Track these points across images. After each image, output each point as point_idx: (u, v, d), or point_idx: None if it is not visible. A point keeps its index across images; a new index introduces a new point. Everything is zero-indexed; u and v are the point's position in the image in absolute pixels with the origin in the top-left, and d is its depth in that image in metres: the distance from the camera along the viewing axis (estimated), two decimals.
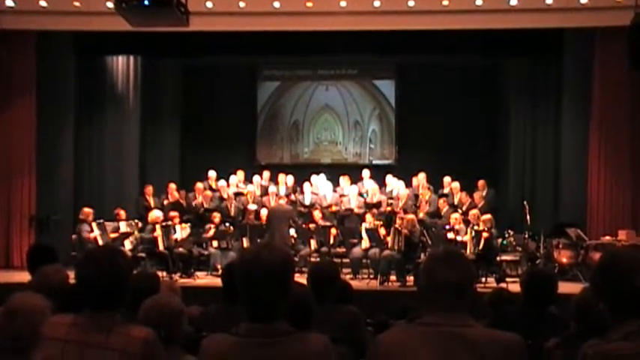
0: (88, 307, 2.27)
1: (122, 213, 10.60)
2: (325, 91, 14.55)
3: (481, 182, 11.80)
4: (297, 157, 14.60)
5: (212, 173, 12.33)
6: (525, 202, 11.28)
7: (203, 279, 10.07)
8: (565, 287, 8.90)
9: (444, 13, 10.53)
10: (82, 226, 10.19)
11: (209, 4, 10.34)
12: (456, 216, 10.33)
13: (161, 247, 10.10)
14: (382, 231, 10.16)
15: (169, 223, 10.37)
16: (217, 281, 9.22)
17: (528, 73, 12.78)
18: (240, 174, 12.45)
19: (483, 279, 9.43)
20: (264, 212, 10.95)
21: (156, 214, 10.40)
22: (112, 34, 10.83)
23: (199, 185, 11.82)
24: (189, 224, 10.78)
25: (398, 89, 14.28)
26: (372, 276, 10.02)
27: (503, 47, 11.76)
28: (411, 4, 10.37)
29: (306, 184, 12.00)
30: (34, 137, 11.53)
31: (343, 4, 10.47)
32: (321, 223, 10.78)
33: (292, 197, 11.87)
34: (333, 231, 10.64)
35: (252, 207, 11.24)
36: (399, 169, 13.18)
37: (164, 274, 9.49)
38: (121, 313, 2.30)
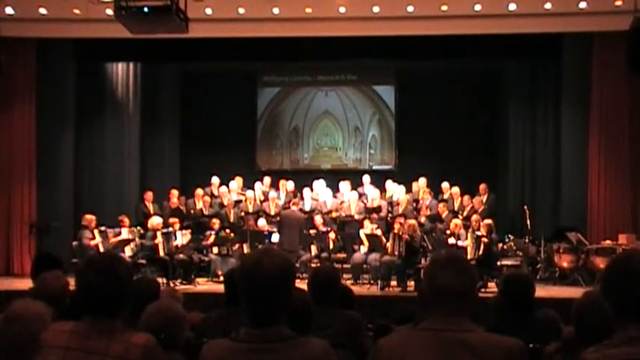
0: (88, 314, 2.27)
1: (126, 220, 10.56)
2: (325, 96, 14.54)
3: (482, 186, 11.78)
4: (297, 162, 14.58)
5: (215, 179, 12.31)
6: (525, 207, 11.29)
7: (203, 285, 10.06)
8: (566, 292, 9.03)
9: (443, 18, 10.55)
10: (84, 232, 10.13)
11: (208, 11, 10.35)
12: (456, 221, 10.32)
13: (161, 254, 10.09)
14: (379, 233, 10.19)
15: (170, 229, 10.37)
16: (218, 287, 9.29)
17: (528, 77, 12.81)
18: (239, 180, 12.43)
19: (484, 283, 9.43)
20: (261, 222, 10.95)
21: (156, 221, 10.38)
22: (111, 40, 10.84)
23: (199, 191, 11.81)
24: (189, 230, 10.78)
25: (397, 94, 14.28)
26: (372, 281, 10.02)
27: (503, 52, 11.75)
28: (410, 9, 10.38)
29: (306, 190, 11.98)
30: (34, 144, 11.54)
31: (342, 9, 10.48)
32: (322, 228, 10.77)
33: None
34: (332, 236, 10.63)
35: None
36: (399, 175, 13.16)
37: (164, 280, 9.48)
38: (122, 320, 2.30)
